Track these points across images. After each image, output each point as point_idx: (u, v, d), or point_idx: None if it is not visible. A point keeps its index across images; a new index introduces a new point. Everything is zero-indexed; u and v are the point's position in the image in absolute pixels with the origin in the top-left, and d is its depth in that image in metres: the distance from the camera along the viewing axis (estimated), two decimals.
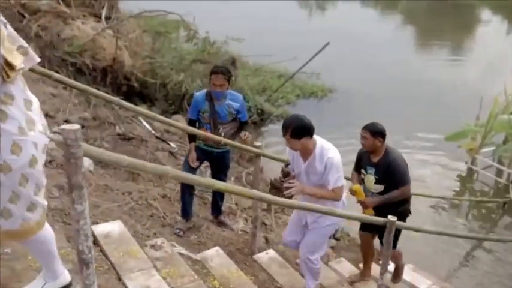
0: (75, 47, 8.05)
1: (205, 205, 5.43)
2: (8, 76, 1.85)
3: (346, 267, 4.86)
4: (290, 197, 3.43)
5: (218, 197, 4.88)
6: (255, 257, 4.41)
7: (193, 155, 4.37)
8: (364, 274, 4.54)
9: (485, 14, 28.17)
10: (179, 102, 9.29)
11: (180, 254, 3.78)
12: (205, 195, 5.64)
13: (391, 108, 10.64)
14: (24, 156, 1.94)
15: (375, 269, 4.53)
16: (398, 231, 3.90)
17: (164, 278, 3.25)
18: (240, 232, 5.03)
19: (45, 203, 2.18)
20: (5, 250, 2.81)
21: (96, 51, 8.25)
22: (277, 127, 8.82)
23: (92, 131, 6.09)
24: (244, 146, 4.34)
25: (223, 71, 4.17)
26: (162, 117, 4.53)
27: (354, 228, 5.56)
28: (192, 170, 4.35)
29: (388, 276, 4.51)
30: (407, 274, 4.92)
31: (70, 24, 8.33)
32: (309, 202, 3.47)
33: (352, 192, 3.96)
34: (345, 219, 4.27)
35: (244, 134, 4.37)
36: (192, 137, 4.40)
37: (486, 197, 8.39)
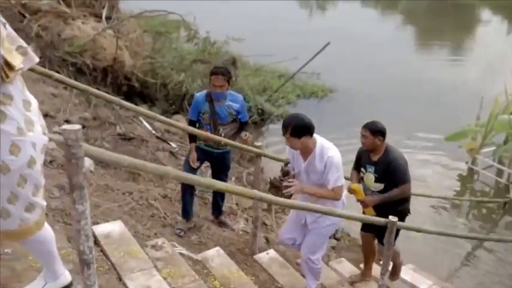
0: (76, 47, 8.05)
1: (206, 205, 5.43)
2: (7, 76, 1.85)
3: (346, 268, 4.86)
4: (289, 196, 3.43)
5: (219, 197, 4.87)
6: (255, 257, 4.41)
7: (194, 155, 4.37)
8: (365, 274, 4.54)
9: (485, 14, 28.16)
10: (179, 102, 9.29)
11: (181, 254, 3.78)
12: (206, 195, 5.64)
13: (391, 108, 10.63)
14: (22, 157, 1.93)
15: (376, 269, 4.53)
16: (397, 230, 3.89)
17: (165, 278, 3.24)
18: (240, 232, 5.03)
19: (44, 203, 2.18)
20: (6, 250, 2.81)
21: (97, 51, 8.25)
22: (277, 127, 8.81)
23: (93, 131, 6.09)
24: (244, 146, 4.34)
25: (223, 71, 4.17)
26: (163, 117, 4.53)
27: (355, 229, 5.56)
28: (193, 170, 4.34)
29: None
30: (408, 274, 4.92)
31: (71, 24, 8.33)
32: (308, 201, 3.47)
33: (351, 191, 3.96)
34: (345, 219, 4.26)
35: (244, 135, 4.38)
36: (193, 138, 4.40)
37: (487, 197, 8.39)
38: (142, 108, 5.59)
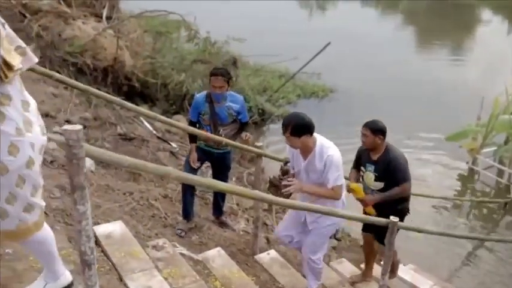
0: (76, 47, 8.05)
1: (207, 205, 5.42)
2: (6, 76, 1.84)
3: (347, 268, 4.86)
4: (288, 195, 3.42)
5: (219, 197, 4.87)
6: (256, 257, 4.41)
7: (194, 155, 4.37)
8: (366, 275, 4.54)
9: (486, 14, 28.17)
10: (180, 102, 9.30)
11: (182, 254, 3.77)
12: (207, 195, 5.64)
13: (391, 108, 10.63)
14: (21, 157, 1.93)
15: (376, 269, 4.53)
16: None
17: (166, 279, 3.24)
18: (241, 232, 5.03)
19: (43, 203, 2.18)
20: (6, 250, 2.80)
21: (97, 51, 8.25)
22: (277, 126, 8.81)
23: (93, 131, 6.08)
24: (245, 146, 4.33)
25: (223, 72, 4.15)
26: (163, 118, 4.52)
27: (355, 229, 5.56)
28: (193, 171, 4.34)
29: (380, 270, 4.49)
30: (408, 274, 4.92)
31: (71, 24, 8.33)
32: (308, 201, 3.46)
33: (350, 190, 3.96)
34: (345, 219, 4.25)
35: (245, 135, 4.37)
36: (193, 138, 4.40)
37: (487, 197, 8.39)
38: (143, 109, 5.58)
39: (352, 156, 4.24)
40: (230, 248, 4.45)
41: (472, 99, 9.97)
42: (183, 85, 9.12)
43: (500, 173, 8.86)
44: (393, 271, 4.57)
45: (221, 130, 4.30)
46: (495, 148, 9.13)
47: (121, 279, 3.09)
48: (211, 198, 5.14)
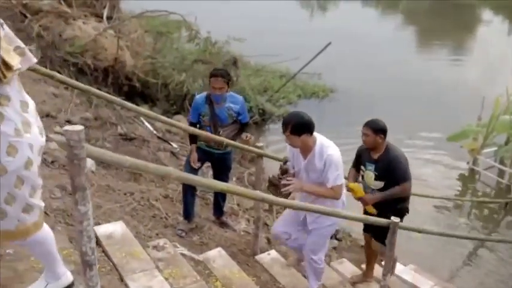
0: (77, 47, 8.06)
1: (207, 206, 5.42)
2: (5, 76, 1.85)
3: (348, 268, 4.86)
4: (288, 194, 3.42)
5: (220, 197, 4.86)
6: (257, 257, 4.40)
7: (195, 155, 4.36)
8: (367, 275, 4.53)
9: (486, 14, 28.16)
10: (180, 102, 9.30)
11: (182, 254, 3.77)
12: (207, 195, 5.64)
13: (392, 108, 10.62)
14: (20, 158, 1.93)
15: (377, 269, 4.53)
16: None
17: (166, 279, 3.24)
18: (242, 233, 5.02)
19: (42, 204, 2.18)
20: (7, 251, 2.81)
21: (98, 52, 8.26)
22: (278, 126, 8.82)
23: (94, 131, 6.08)
24: (246, 146, 4.32)
25: (223, 74, 4.14)
26: (164, 118, 4.52)
27: (356, 229, 5.56)
28: (194, 171, 4.34)
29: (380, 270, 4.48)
30: (409, 275, 4.92)
31: (72, 24, 8.34)
32: (307, 200, 3.45)
33: (349, 190, 3.96)
34: (345, 219, 4.25)
35: (245, 136, 4.35)
36: (193, 138, 4.39)
37: (488, 198, 8.39)
38: (143, 109, 5.58)
39: (353, 156, 4.25)
40: (231, 248, 4.45)
41: (473, 99, 9.97)
42: (184, 85, 9.12)
43: (500, 173, 8.85)
44: (369, 270, 4.53)
45: (221, 131, 4.29)
46: (496, 148, 9.13)
47: (122, 280, 3.09)
48: (212, 199, 5.14)
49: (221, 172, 4.59)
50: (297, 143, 3.35)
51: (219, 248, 4.17)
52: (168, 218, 4.65)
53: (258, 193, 2.91)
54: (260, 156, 4.27)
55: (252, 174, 6.66)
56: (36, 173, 2.05)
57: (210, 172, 5.36)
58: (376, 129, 3.82)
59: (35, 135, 2.01)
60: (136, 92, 8.96)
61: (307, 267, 3.91)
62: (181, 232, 4.43)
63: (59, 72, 6.01)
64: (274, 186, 3.47)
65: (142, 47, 9.35)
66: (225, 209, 5.10)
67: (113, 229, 3.59)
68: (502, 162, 9.04)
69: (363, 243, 4.77)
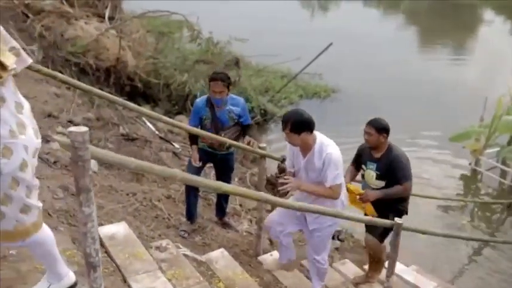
0: (79, 47, 8.06)
1: (210, 206, 5.41)
2: (0, 76, 1.84)
3: (350, 269, 4.84)
4: (285, 193, 3.39)
5: (222, 198, 4.86)
6: (259, 258, 4.40)
7: (195, 154, 4.33)
8: (370, 276, 4.51)
9: (488, 14, 28.13)
10: (182, 102, 9.29)
11: (185, 255, 3.76)
12: (210, 196, 5.63)
13: (394, 108, 10.61)
14: (15, 160, 1.92)
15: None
16: (390, 228, 3.84)
17: (169, 280, 3.23)
18: (244, 233, 5.02)
19: (40, 204, 2.17)
20: (10, 252, 2.80)
21: (100, 52, 8.26)
22: (279, 126, 8.84)
23: (96, 132, 6.07)
24: (248, 147, 4.30)
25: (222, 77, 4.10)
26: (166, 118, 4.50)
27: (358, 230, 5.54)
28: (197, 172, 4.32)
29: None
30: (411, 276, 4.90)
31: (73, 25, 8.34)
32: (306, 199, 3.41)
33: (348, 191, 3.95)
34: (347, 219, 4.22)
35: (249, 141, 4.30)
36: (193, 139, 4.38)
37: (490, 198, 8.37)
38: (145, 109, 5.58)
39: (353, 156, 4.24)
40: (233, 249, 4.44)
41: (474, 100, 9.97)
42: (186, 85, 9.12)
43: (503, 174, 8.83)
44: (377, 270, 4.50)
45: (223, 134, 4.27)
46: (498, 149, 9.11)
47: (125, 281, 3.08)
48: (214, 199, 5.13)
49: (223, 173, 4.58)
50: (296, 141, 3.32)
51: (222, 249, 4.16)
52: (170, 218, 4.64)
53: (262, 194, 2.89)
54: (262, 156, 4.26)
55: (254, 175, 6.65)
56: (31, 175, 2.04)
57: (212, 172, 5.35)
58: (379, 128, 3.81)
59: (30, 137, 2.00)
60: (138, 92, 8.96)
61: (310, 268, 3.89)
62: (184, 233, 4.42)
63: (60, 72, 6.00)
64: (272, 185, 3.44)
65: (144, 47, 9.35)
66: (227, 209, 5.09)
67: (116, 230, 3.58)
68: (504, 163, 9.01)
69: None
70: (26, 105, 2.05)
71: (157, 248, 3.64)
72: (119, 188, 4.75)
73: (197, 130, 4.26)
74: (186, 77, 9.21)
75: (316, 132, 3.37)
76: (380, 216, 3.82)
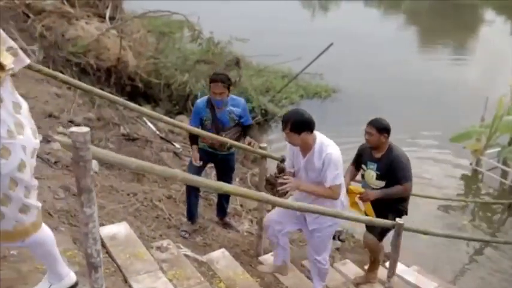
0: (80, 47, 8.06)
1: (211, 206, 5.41)
2: None
3: (351, 269, 4.84)
4: (284, 193, 3.38)
5: (223, 198, 4.86)
6: (260, 258, 4.40)
7: (196, 154, 4.32)
8: (370, 276, 4.51)
9: (489, 14, 28.10)
10: (183, 102, 9.30)
11: (186, 255, 3.76)
12: (211, 196, 5.63)
13: (395, 108, 10.60)
14: (13, 161, 1.92)
15: (381, 270, 4.51)
16: (388, 229, 3.84)
17: (170, 280, 3.23)
18: (245, 233, 5.01)
19: (39, 204, 2.17)
20: (11, 252, 2.80)
21: (101, 52, 8.26)
22: (279, 125, 8.85)
23: (97, 132, 6.07)
24: (249, 147, 4.30)
25: (223, 79, 4.09)
26: (167, 118, 4.51)
27: (359, 230, 5.54)
28: (198, 172, 4.32)
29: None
30: (412, 276, 4.90)
31: (74, 25, 8.34)
32: (306, 199, 3.40)
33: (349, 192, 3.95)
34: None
35: (249, 142, 4.28)
36: (193, 140, 4.38)
37: (491, 199, 8.36)
38: (146, 109, 5.58)
39: (353, 156, 4.24)
40: (234, 249, 4.44)
41: (475, 100, 9.97)
42: (187, 85, 9.12)
43: (504, 174, 8.82)
44: (373, 269, 4.47)
45: (224, 135, 4.26)
46: (499, 149, 9.10)
47: (126, 281, 3.08)
48: (215, 199, 5.13)
49: (224, 173, 4.57)
50: (296, 141, 3.31)
51: (223, 249, 4.16)
52: (171, 218, 4.64)
53: (263, 195, 2.89)
54: (263, 157, 4.26)
55: (255, 175, 6.65)
56: (29, 175, 2.04)
57: (213, 172, 5.35)
58: (380, 128, 3.81)
59: (28, 137, 1.99)
60: (139, 92, 8.96)
61: (311, 268, 3.89)
62: (185, 233, 4.42)
63: (61, 72, 6.01)
64: (271, 185, 3.44)
65: (145, 47, 9.35)
66: (228, 209, 5.09)
67: (117, 230, 3.58)
68: (505, 163, 9.00)
69: None
70: (24, 105, 2.05)
71: (158, 248, 3.64)
72: (119, 188, 4.75)
73: (198, 130, 4.25)
74: (187, 77, 9.21)
75: (316, 132, 3.36)
76: (380, 216, 3.82)
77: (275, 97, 11.13)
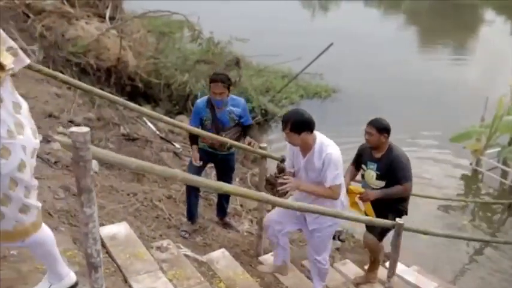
0: (80, 47, 8.06)
1: (211, 206, 5.41)
2: None
3: (351, 269, 4.84)
4: (284, 193, 3.38)
5: (223, 198, 4.86)
6: (260, 258, 4.39)
7: (196, 154, 4.32)
8: (371, 276, 4.51)
9: (489, 14, 28.10)
10: (183, 102, 9.30)
11: (186, 255, 3.76)
12: (211, 196, 5.63)
13: (395, 108, 10.60)
14: (13, 161, 1.92)
15: (381, 270, 4.51)
16: (387, 229, 3.84)
17: (170, 280, 3.23)
18: (245, 233, 5.01)
19: (39, 204, 2.17)
20: (11, 252, 2.80)
21: (101, 52, 8.26)
22: (279, 125, 8.84)
23: (97, 132, 6.07)
24: (249, 147, 4.30)
25: (223, 79, 4.09)
26: (167, 118, 4.51)
27: (359, 230, 5.54)
28: (198, 172, 4.32)
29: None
30: (412, 276, 4.90)
31: (74, 25, 8.34)
32: (306, 199, 3.40)
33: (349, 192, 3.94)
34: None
35: (249, 142, 4.28)
36: (193, 140, 4.37)
37: (491, 198, 8.36)
38: (146, 109, 5.58)
39: (353, 156, 4.24)
40: (234, 249, 4.44)
41: (475, 100, 9.97)
42: (187, 85, 9.12)
43: (504, 174, 8.82)
44: (373, 269, 4.47)
45: (224, 135, 4.26)
46: (499, 149, 9.10)
47: (126, 281, 3.08)
48: (215, 199, 5.13)
49: (224, 173, 4.57)
50: (296, 141, 3.31)
51: (223, 249, 4.16)
52: (171, 218, 4.64)
53: (263, 195, 2.89)
54: (263, 157, 4.26)
55: (255, 175, 6.65)
56: (29, 175, 2.03)
57: (213, 172, 5.35)
58: (380, 128, 3.81)
59: (28, 137, 1.99)
60: (139, 92, 8.96)
61: (311, 268, 3.89)
62: (185, 233, 4.42)
63: (61, 72, 6.01)
64: (271, 185, 3.43)
65: (145, 47, 9.35)
66: (228, 209, 5.09)
67: (117, 230, 3.58)
68: (505, 163, 9.00)
69: None
70: (24, 105, 2.05)
71: (158, 248, 3.64)
72: (119, 188, 4.75)
73: (198, 130, 4.25)
74: (187, 77, 9.21)
75: (316, 132, 3.35)
76: (380, 216, 3.82)
77: (275, 97, 11.13)
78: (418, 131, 10.22)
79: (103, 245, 3.36)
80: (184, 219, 4.61)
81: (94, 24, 8.66)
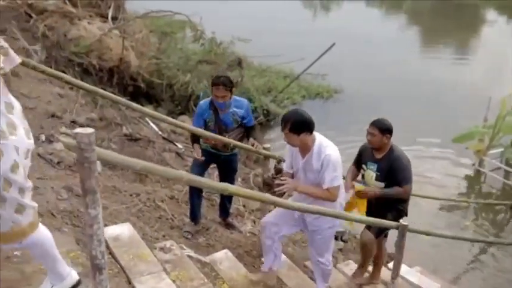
0: (82, 47, 8.05)
1: (213, 207, 5.41)
2: None
3: (354, 270, 4.82)
4: (281, 194, 3.35)
5: (226, 199, 4.84)
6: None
7: (198, 150, 4.28)
8: (373, 277, 4.50)
9: (491, 14, 28.00)
10: (185, 102, 9.29)
11: (189, 256, 3.76)
12: (213, 196, 5.62)
13: (396, 108, 10.57)
14: (6, 162, 1.91)
15: (384, 271, 4.50)
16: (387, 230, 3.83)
17: (174, 281, 3.23)
18: (248, 234, 5.00)
19: (35, 204, 2.17)
20: (15, 253, 2.80)
21: (103, 52, 8.25)
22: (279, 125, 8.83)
23: (99, 132, 6.06)
24: (252, 148, 4.29)
25: (224, 82, 4.05)
26: (169, 118, 4.50)
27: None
28: (201, 173, 4.31)
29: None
30: (415, 277, 4.89)
31: (77, 25, 8.33)
32: (304, 201, 3.37)
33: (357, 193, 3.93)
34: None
35: (253, 144, 4.27)
36: (195, 139, 4.37)
37: (493, 199, 8.33)
38: (148, 109, 5.57)
39: (354, 157, 4.23)
40: (237, 250, 4.43)
41: (477, 100, 9.94)
42: (189, 86, 9.11)
43: (507, 175, 8.80)
44: (375, 272, 4.45)
45: (227, 136, 4.25)
46: (502, 150, 9.08)
47: (129, 282, 3.08)
48: (218, 200, 5.12)
49: (227, 174, 4.56)
50: (295, 141, 3.29)
51: (226, 250, 4.16)
52: (174, 219, 4.63)
53: (267, 195, 2.89)
54: (266, 157, 4.25)
55: (257, 176, 6.64)
56: (23, 176, 2.02)
57: (216, 173, 5.34)
58: (383, 129, 3.80)
59: (21, 137, 1.98)
60: (141, 92, 8.95)
61: (314, 269, 3.87)
62: (188, 234, 4.41)
63: (64, 72, 6.01)
64: (268, 186, 3.41)
65: (147, 47, 9.34)
66: (231, 210, 5.07)
67: (120, 231, 3.58)
68: (508, 164, 8.98)
69: None
70: (17, 105, 2.03)
71: (162, 249, 3.64)
72: (122, 188, 4.74)
73: (201, 131, 4.24)
74: (189, 77, 9.20)
75: (315, 133, 3.33)
76: (379, 216, 3.81)
77: (277, 97, 11.12)
78: (419, 131, 10.15)
79: (106, 246, 3.35)
80: (187, 220, 4.61)
81: (96, 24, 8.65)
